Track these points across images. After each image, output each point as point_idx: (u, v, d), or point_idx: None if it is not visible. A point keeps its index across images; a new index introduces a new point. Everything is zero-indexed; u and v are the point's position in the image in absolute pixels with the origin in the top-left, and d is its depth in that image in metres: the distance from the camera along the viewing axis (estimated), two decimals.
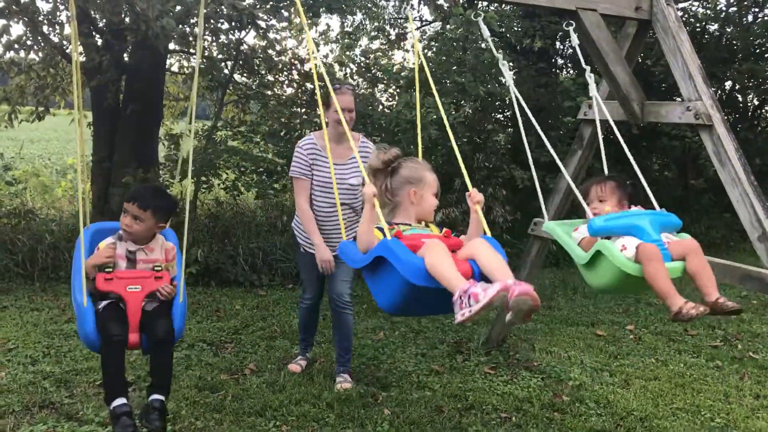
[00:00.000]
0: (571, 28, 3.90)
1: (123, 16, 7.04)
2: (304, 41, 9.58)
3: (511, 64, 9.71)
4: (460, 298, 2.46)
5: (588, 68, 3.82)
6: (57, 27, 7.45)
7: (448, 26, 9.20)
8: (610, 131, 3.75)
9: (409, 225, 2.96)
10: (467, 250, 2.76)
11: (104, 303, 3.15)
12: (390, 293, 2.75)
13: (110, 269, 3.18)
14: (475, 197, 2.95)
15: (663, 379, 4.96)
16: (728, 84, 11.87)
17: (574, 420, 4.16)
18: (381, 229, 2.77)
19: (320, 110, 3.96)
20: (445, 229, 2.95)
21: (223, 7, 6.74)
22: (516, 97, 3.47)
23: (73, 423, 3.77)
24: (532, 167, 3.61)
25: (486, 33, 3.66)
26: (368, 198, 2.82)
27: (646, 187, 3.49)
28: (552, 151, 3.43)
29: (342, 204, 4.11)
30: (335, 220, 4.30)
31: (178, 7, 6.58)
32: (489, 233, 2.92)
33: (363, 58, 9.23)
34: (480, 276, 2.63)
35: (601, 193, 3.45)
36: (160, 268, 3.26)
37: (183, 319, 3.25)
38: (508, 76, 3.52)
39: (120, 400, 3.04)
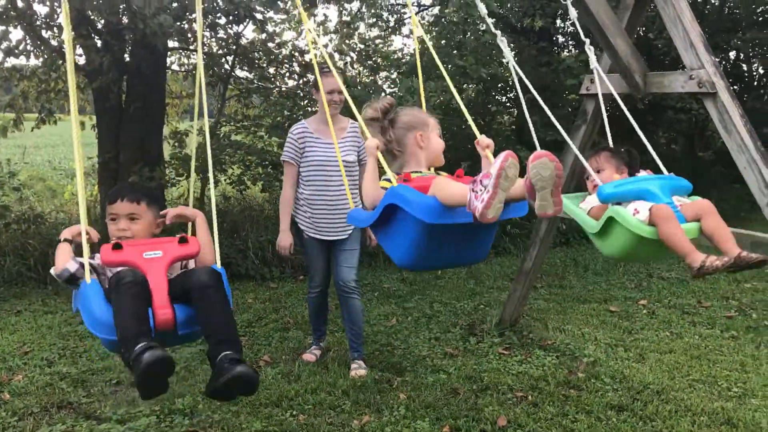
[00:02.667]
0: (569, 1, 3.87)
1: (121, 15, 7.03)
2: (303, 32, 9.57)
3: (511, 45, 9.70)
4: (473, 190, 2.32)
5: (588, 41, 3.84)
6: (55, 30, 7.44)
7: (446, 10, 9.15)
8: (614, 106, 3.74)
9: (420, 172, 2.74)
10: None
11: (115, 271, 2.45)
12: (407, 244, 2.55)
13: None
14: (483, 142, 2.79)
15: (678, 351, 4.94)
16: (732, 54, 11.77)
17: (591, 396, 4.15)
18: (389, 180, 2.60)
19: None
20: (457, 170, 2.74)
21: (219, 0, 6.71)
22: (518, 73, 3.43)
23: (92, 422, 3.79)
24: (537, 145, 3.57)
25: (483, 10, 3.58)
26: (371, 152, 2.68)
27: (653, 153, 3.46)
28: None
29: (339, 180, 4.29)
30: (328, 198, 4.44)
31: (175, 4, 6.57)
32: None
33: (362, 46, 9.19)
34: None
35: (596, 164, 3.47)
36: (185, 240, 2.61)
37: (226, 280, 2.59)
38: (508, 53, 3.46)
39: (142, 340, 2.22)
